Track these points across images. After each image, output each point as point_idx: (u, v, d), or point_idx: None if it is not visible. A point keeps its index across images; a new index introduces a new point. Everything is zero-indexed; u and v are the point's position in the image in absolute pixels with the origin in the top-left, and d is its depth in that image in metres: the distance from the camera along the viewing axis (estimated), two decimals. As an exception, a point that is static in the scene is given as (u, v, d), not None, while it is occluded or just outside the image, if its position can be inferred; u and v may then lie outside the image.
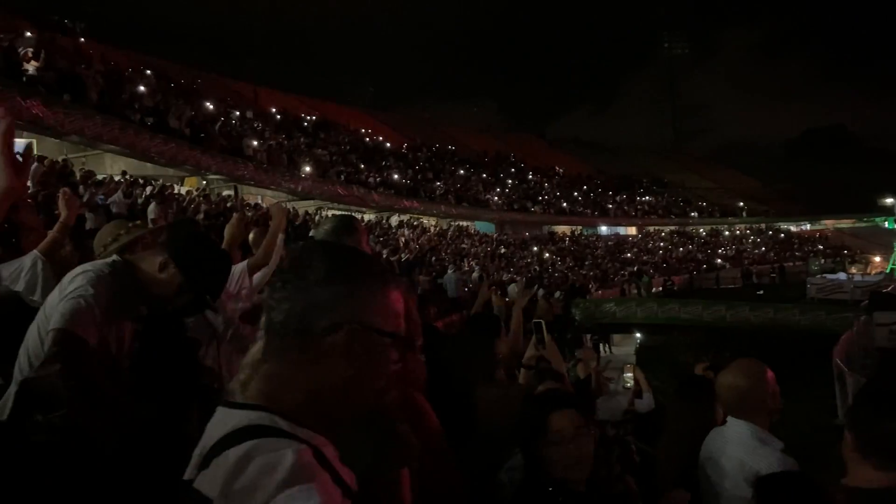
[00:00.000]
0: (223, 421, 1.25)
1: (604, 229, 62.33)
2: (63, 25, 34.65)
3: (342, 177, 36.17)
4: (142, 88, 28.36)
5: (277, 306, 1.28)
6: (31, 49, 21.69)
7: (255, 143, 31.10)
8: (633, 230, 65.53)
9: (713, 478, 2.94)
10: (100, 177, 18.55)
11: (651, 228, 67.13)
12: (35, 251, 3.43)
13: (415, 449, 1.99)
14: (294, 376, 1.27)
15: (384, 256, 20.36)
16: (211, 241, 3.24)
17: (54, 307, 2.61)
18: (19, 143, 19.94)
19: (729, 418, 2.97)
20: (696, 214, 74.79)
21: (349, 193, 35.36)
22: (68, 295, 2.58)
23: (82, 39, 33.84)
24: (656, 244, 60.85)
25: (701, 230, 71.33)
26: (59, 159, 18.46)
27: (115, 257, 2.82)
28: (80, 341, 2.54)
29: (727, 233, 72.19)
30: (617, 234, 62.12)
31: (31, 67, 20.64)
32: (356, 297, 1.29)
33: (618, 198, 69.76)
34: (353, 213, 32.19)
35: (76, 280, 2.65)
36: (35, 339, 2.67)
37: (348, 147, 45.00)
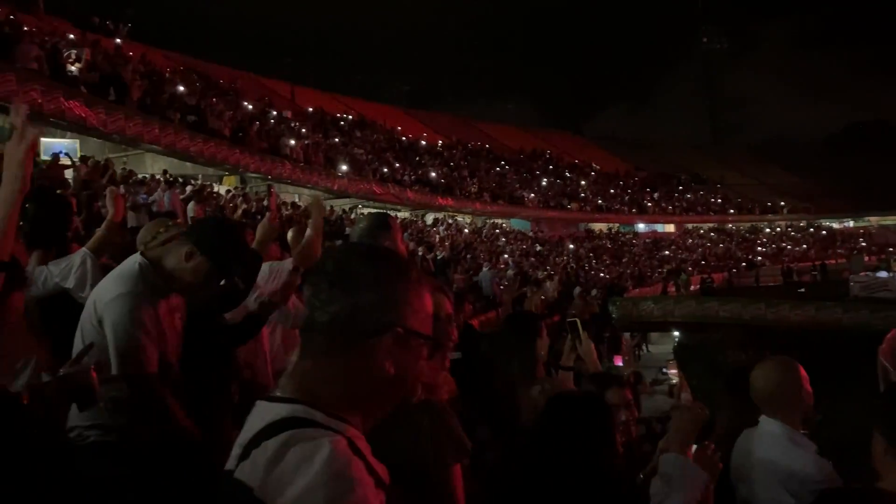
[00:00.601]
0: (262, 414, 1.29)
1: (641, 226, 61.74)
2: (105, 27, 35.24)
3: (378, 175, 36.33)
4: (181, 88, 28.78)
5: (322, 307, 1.32)
6: (74, 51, 22.14)
7: (293, 141, 31.37)
8: (671, 227, 64.83)
9: (745, 477, 2.90)
10: (140, 176, 18.89)
11: (689, 225, 66.34)
12: (84, 248, 3.52)
13: (468, 447, 1.99)
14: (334, 374, 1.31)
15: (419, 254, 20.40)
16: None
17: (106, 306, 2.71)
18: (65, 143, 20.47)
19: (762, 417, 2.92)
20: (736, 211, 73.69)
21: (384, 191, 35.49)
22: (119, 314, 2.69)
23: (118, 41, 34.39)
24: (695, 241, 60.13)
25: (740, 227, 70.28)
26: (101, 159, 18.82)
27: (139, 257, 2.89)
28: (146, 379, 2.67)
29: (767, 230, 71.03)
30: (655, 232, 61.50)
31: (74, 69, 21.06)
32: (401, 301, 1.33)
33: (656, 194, 69.02)
34: (387, 211, 32.31)
35: (118, 293, 2.74)
36: (90, 331, 2.76)
37: (384, 145, 45.18)
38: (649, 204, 65.32)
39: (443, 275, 18.48)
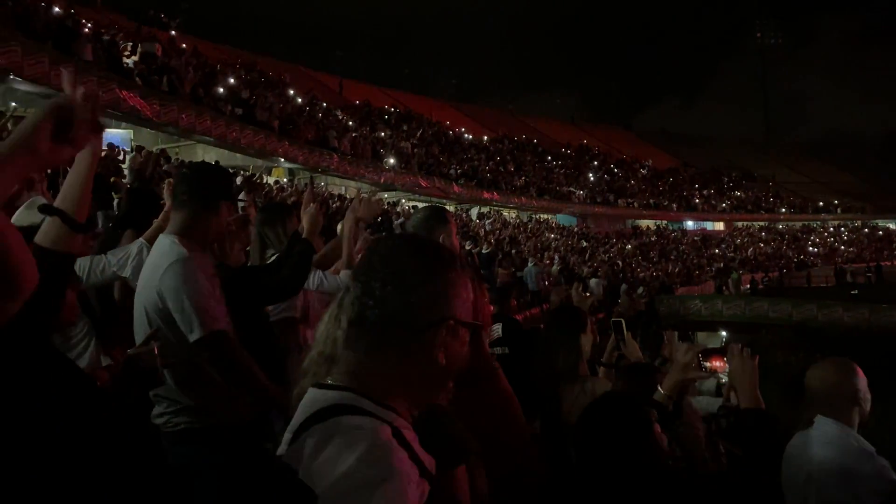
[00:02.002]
0: (313, 400, 1.32)
1: (690, 224, 60.82)
2: (159, 20, 35.97)
3: (423, 168, 36.41)
4: (232, 81, 29.21)
5: (376, 306, 1.34)
6: (129, 43, 22.65)
7: (340, 134, 31.63)
8: (720, 225, 63.73)
9: (799, 478, 2.84)
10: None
11: (739, 224, 65.13)
12: (141, 239, 3.60)
13: (472, 448, 1.98)
14: (389, 367, 1.34)
15: (465, 248, 20.41)
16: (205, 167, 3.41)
17: (161, 280, 2.74)
18: (120, 133, 20.94)
19: (817, 417, 2.87)
20: (787, 210, 72.11)
21: (430, 185, 35.56)
22: (176, 281, 2.72)
23: (173, 32, 35.05)
24: (744, 240, 59.04)
25: (792, 226, 68.77)
26: (156, 149, 19.22)
27: (164, 236, 2.92)
28: (224, 335, 2.70)
29: (820, 229, 69.38)
30: (703, 229, 60.53)
31: (129, 61, 21.54)
32: (451, 293, 1.36)
33: (705, 192, 67.91)
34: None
35: (168, 263, 2.77)
36: (155, 316, 2.80)
37: (430, 139, 45.25)
38: (698, 201, 64.29)
39: (487, 269, 18.45)
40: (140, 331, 2.83)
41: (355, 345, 1.36)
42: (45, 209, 2.03)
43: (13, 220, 3.57)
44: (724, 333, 21.63)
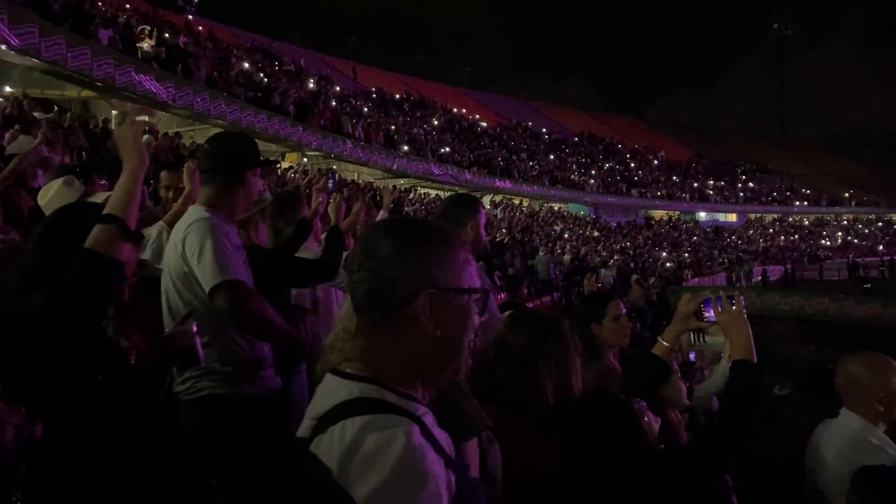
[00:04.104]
0: (335, 389, 1.34)
1: (702, 215, 60.53)
2: (175, 4, 35.97)
3: (436, 155, 36.37)
4: (247, 65, 29.23)
5: (358, 287, 1.37)
6: (146, 27, 22.69)
7: (354, 120, 31.61)
8: (733, 217, 63.41)
9: (818, 470, 2.86)
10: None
11: (752, 216, 64.77)
12: (160, 222, 3.64)
13: (486, 425, 2.02)
14: (390, 348, 1.35)
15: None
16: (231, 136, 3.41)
17: (185, 237, 2.77)
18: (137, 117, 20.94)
19: (843, 410, 2.88)
20: (801, 202, 71.60)
21: (443, 172, 35.53)
22: (199, 235, 2.74)
23: (190, 17, 35.08)
24: (757, 232, 58.72)
25: (805, 219, 68.32)
26: (171, 132, 19.29)
27: (200, 207, 2.93)
28: (240, 283, 2.70)
29: (833, 223, 68.89)
30: (716, 221, 60.24)
31: (145, 45, 21.59)
32: (425, 263, 1.35)
33: (718, 183, 67.54)
34: (446, 192, 32.36)
35: (191, 221, 2.82)
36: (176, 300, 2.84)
37: (443, 126, 45.16)
38: (711, 192, 63.95)
39: (499, 258, 18.46)
40: (167, 308, 2.86)
41: (358, 330, 1.39)
42: (104, 217, 2.06)
43: (48, 198, 3.63)
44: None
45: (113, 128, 15.22)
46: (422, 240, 1.38)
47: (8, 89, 16.64)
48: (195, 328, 2.41)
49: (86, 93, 20.95)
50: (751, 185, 71.73)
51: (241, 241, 2.99)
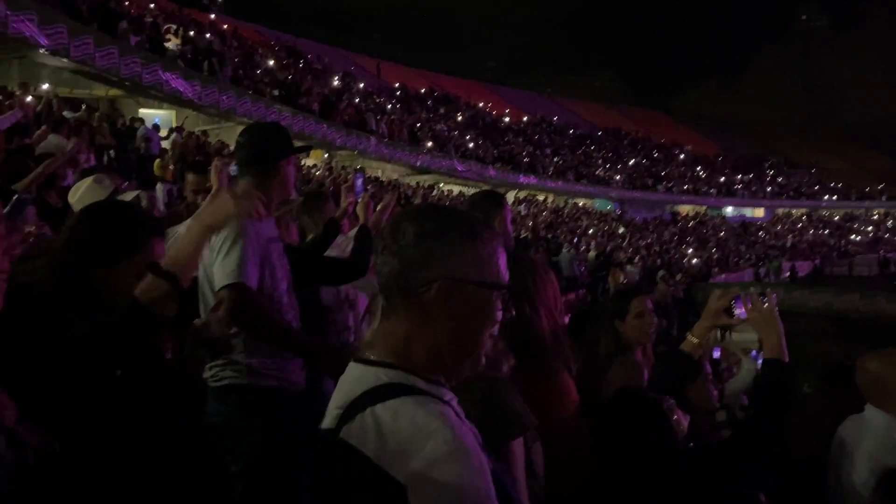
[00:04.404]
0: (360, 377, 1.35)
1: (729, 210, 59.92)
2: (200, 3, 36.27)
3: (460, 152, 36.34)
4: (272, 63, 29.40)
5: (380, 270, 1.38)
6: (171, 26, 22.91)
7: (378, 117, 31.68)
8: (760, 212, 62.70)
9: (843, 466, 2.83)
10: (232, 147, 19.43)
11: (780, 211, 64.00)
12: (189, 220, 3.67)
13: (530, 423, 2.01)
14: (409, 334, 1.36)
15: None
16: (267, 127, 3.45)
17: (219, 241, 2.82)
18: (162, 114, 21.26)
19: (867, 406, 2.85)
20: (830, 197, 70.60)
21: (466, 168, 35.49)
22: (226, 250, 2.79)
23: (213, 16, 35.36)
24: (785, 227, 58.02)
25: (834, 214, 67.38)
26: (197, 130, 19.47)
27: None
28: (244, 288, 2.74)
29: (863, 217, 67.84)
30: (743, 216, 59.59)
31: (171, 44, 21.80)
32: (446, 251, 1.35)
33: (745, 178, 66.79)
34: (469, 188, 32.35)
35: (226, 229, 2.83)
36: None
37: (467, 122, 45.11)
38: (738, 187, 63.26)
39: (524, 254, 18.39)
40: (202, 298, 2.91)
41: (381, 315, 1.42)
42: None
43: (78, 196, 3.68)
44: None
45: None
46: (446, 228, 1.37)
47: (45, 87, 16.86)
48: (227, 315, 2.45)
49: (113, 91, 21.20)
50: (779, 179, 70.85)
51: (277, 233, 3.02)
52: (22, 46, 16.59)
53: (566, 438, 2.39)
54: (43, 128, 10.36)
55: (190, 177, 4.66)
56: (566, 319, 3.13)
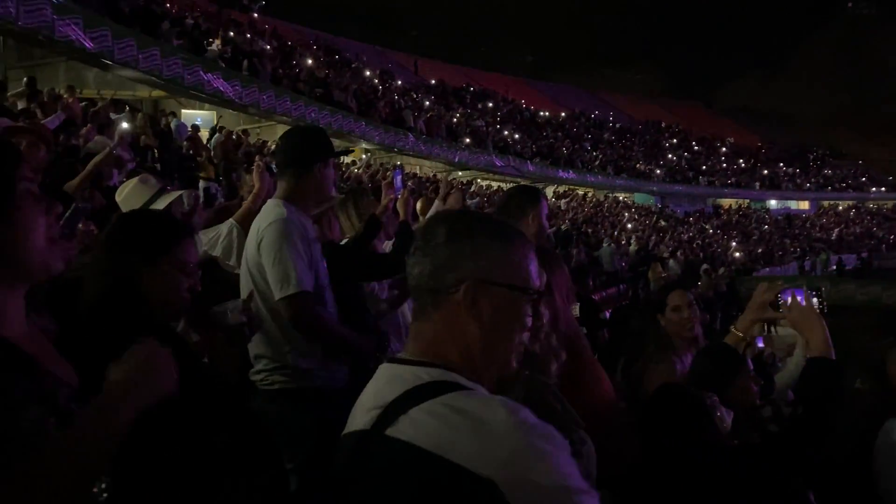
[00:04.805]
0: (396, 376, 1.34)
1: (773, 203, 58.83)
2: (240, 3, 36.69)
3: (498, 147, 36.22)
4: (310, 62, 29.63)
5: (412, 271, 1.41)
6: (212, 26, 23.22)
7: (415, 113, 31.73)
8: (805, 204, 61.46)
9: (885, 462, 2.77)
10: (272, 145, 19.65)
11: (826, 203, 62.65)
12: (231, 220, 3.73)
13: (578, 425, 1.98)
14: (440, 335, 1.37)
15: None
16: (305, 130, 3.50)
17: (261, 235, 2.91)
18: (203, 114, 21.55)
19: None
20: (877, 188, 68.86)
21: (505, 164, 35.37)
22: (273, 238, 2.86)
23: (255, 15, 35.74)
24: (831, 219, 56.79)
25: (882, 205, 65.70)
26: (238, 130, 19.72)
27: (271, 200, 3.04)
28: (305, 296, 2.82)
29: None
30: (788, 209, 58.47)
31: (213, 44, 22.09)
32: (475, 253, 1.36)
33: (790, 170, 65.51)
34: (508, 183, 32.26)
35: (269, 221, 2.93)
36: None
37: (506, 117, 44.96)
38: (782, 179, 62.07)
39: (563, 249, 18.31)
40: (244, 293, 2.95)
41: (414, 315, 1.44)
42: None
43: (123, 195, 3.75)
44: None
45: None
46: (476, 231, 1.39)
47: (90, 89, 17.24)
48: (241, 306, 2.48)
49: (156, 92, 21.55)
50: (825, 171, 69.34)
51: (315, 234, 3.07)
52: (68, 49, 16.94)
53: (606, 422, 2.37)
54: (88, 126, 10.61)
55: (247, 177, 4.80)
56: (606, 314, 3.13)
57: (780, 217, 54.00)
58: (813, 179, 65.41)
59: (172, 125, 15.99)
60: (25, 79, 12.77)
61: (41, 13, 15.51)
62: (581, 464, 2.05)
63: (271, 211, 2.96)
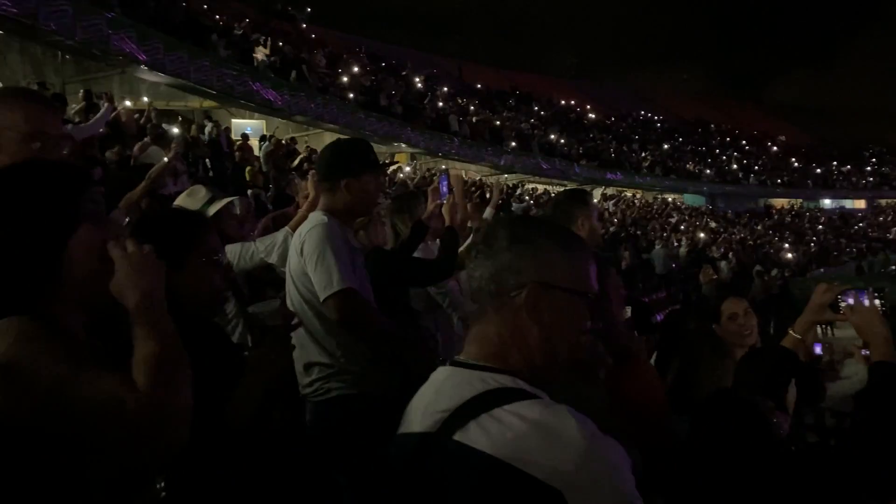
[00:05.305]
0: (462, 380, 1.34)
1: (827, 202, 57.40)
2: (286, 12, 37.21)
3: (544, 149, 36.05)
4: (356, 69, 29.90)
5: (473, 274, 1.42)
6: (260, 36, 23.60)
7: (460, 118, 31.77)
8: (861, 203, 59.82)
9: None
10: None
11: (882, 201, 60.88)
12: (286, 227, 3.80)
13: (618, 431, 1.97)
14: (501, 338, 1.37)
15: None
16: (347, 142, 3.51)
17: (304, 240, 2.95)
18: (253, 123, 21.90)
19: None
20: (939, 186, 66.62)
21: (551, 166, 35.18)
22: (315, 241, 2.90)
23: (304, 25, 36.23)
24: (888, 218, 55.15)
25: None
26: (287, 139, 19.99)
27: (319, 212, 3.08)
28: (352, 293, 2.83)
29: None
30: (842, 208, 56.98)
31: (260, 54, 22.45)
32: (536, 257, 1.38)
33: (844, 168, 63.83)
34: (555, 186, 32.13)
35: (311, 226, 2.98)
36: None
37: (551, 119, 44.74)
38: (836, 178, 60.53)
39: (611, 252, 18.14)
40: (291, 306, 2.98)
41: (474, 318, 1.45)
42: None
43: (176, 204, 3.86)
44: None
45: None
46: (537, 234, 1.41)
47: (144, 100, 17.65)
48: (280, 307, 2.52)
49: (207, 103, 21.98)
50: (883, 168, 67.33)
51: (355, 245, 3.09)
52: (122, 62, 17.40)
53: (656, 426, 2.35)
54: (145, 139, 10.87)
55: (302, 183, 4.89)
56: (659, 317, 3.11)
57: (834, 216, 52.68)
58: (868, 178, 63.65)
59: (211, 134, 16.21)
60: (82, 91, 13.17)
61: (97, 28, 16.00)
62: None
63: (312, 219, 3.02)
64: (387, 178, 19.49)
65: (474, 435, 1.24)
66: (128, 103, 12.84)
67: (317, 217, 2.99)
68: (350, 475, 2.86)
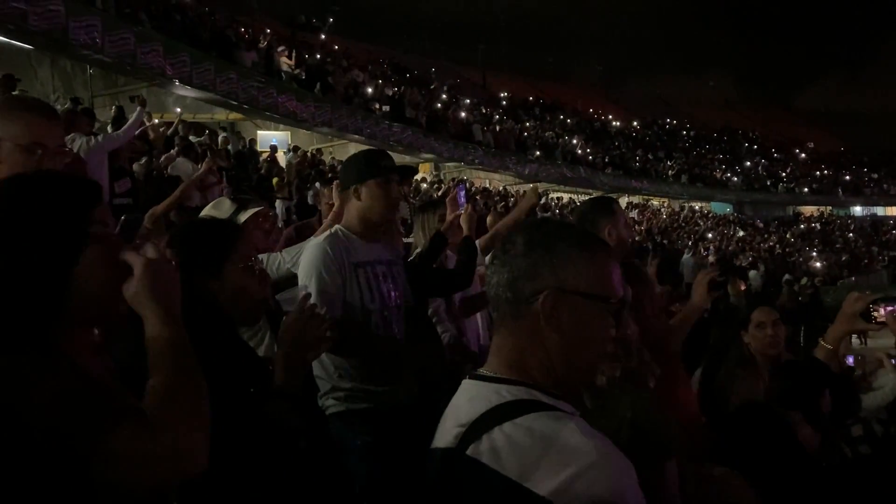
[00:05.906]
0: (479, 394, 1.33)
1: (858, 210, 56.59)
2: (311, 24, 37.56)
3: (569, 158, 35.96)
4: (380, 80, 30.07)
5: (490, 281, 1.39)
6: (285, 48, 23.82)
7: (485, 127, 31.79)
8: (893, 210, 58.90)
9: None
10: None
11: (916, 208, 59.89)
12: (313, 238, 3.81)
13: (674, 441, 1.93)
14: (520, 346, 1.35)
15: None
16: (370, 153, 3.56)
17: (300, 271, 3.05)
18: (278, 135, 22.05)
19: None
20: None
21: (576, 175, 35.06)
22: (306, 260, 3.03)
23: (323, 36, 36.52)
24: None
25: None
26: (311, 150, 20.13)
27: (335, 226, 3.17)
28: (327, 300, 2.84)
29: None
30: (874, 215, 56.14)
31: (284, 65, 22.65)
32: (554, 262, 1.33)
33: (875, 174, 62.92)
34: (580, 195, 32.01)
35: (306, 252, 3.08)
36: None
37: (575, 128, 44.65)
38: (868, 185, 59.65)
39: (639, 260, 17.99)
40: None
41: (495, 328, 1.42)
42: None
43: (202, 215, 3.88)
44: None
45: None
46: (554, 239, 1.36)
47: (178, 110, 17.88)
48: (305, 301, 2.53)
49: (233, 115, 22.20)
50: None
51: (361, 258, 3.07)
52: (150, 76, 17.63)
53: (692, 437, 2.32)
54: (171, 152, 10.98)
55: (326, 190, 4.93)
56: None
57: (865, 224, 51.93)
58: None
59: (229, 147, 16.30)
60: (114, 106, 13.38)
61: (125, 42, 16.25)
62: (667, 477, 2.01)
63: (313, 238, 3.18)
64: (410, 187, 19.51)
65: (484, 450, 1.23)
66: (156, 120, 12.99)
67: (319, 237, 3.10)
68: (362, 483, 2.91)
